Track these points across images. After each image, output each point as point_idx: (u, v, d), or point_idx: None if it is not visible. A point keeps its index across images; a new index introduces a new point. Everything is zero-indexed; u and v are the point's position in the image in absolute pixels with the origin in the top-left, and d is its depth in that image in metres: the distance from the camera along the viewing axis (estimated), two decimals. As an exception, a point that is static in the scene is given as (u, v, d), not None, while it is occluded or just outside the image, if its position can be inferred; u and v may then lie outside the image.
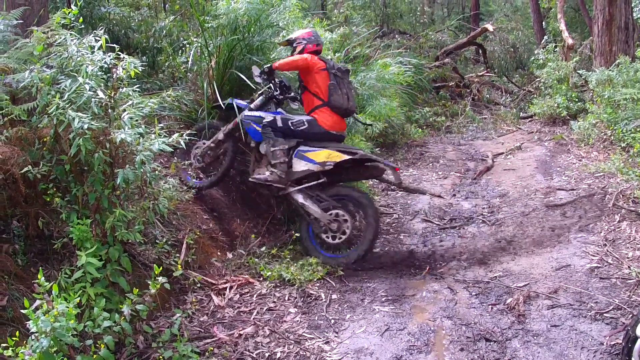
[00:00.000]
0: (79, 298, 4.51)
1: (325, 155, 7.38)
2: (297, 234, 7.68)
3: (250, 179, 7.58)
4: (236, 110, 7.89)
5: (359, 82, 10.98)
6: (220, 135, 8.04)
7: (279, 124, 7.65)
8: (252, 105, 7.92)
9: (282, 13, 9.16)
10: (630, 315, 5.67)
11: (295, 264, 7.16)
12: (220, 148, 8.19)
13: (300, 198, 7.57)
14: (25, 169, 4.99)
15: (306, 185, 7.61)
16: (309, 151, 7.50)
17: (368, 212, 7.43)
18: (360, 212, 7.60)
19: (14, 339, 4.03)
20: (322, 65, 7.67)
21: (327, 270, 7.17)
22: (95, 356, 4.46)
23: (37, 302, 4.18)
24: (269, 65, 7.83)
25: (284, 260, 7.31)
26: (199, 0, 11.78)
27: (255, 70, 7.94)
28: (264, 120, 7.65)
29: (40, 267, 4.92)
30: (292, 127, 7.64)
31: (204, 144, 8.18)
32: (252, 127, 7.74)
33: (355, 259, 7.38)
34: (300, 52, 7.87)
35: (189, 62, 9.66)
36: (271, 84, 7.91)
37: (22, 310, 4.17)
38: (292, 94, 8.22)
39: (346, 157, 7.32)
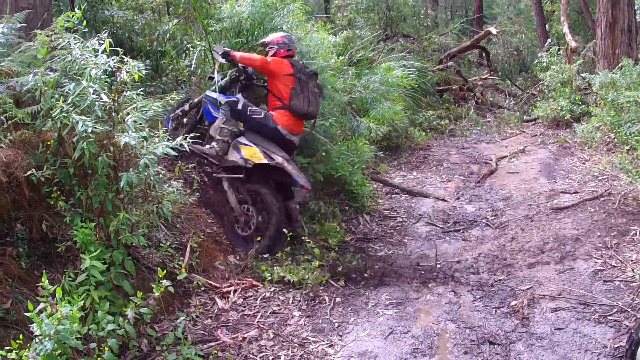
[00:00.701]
0: (82, 301, 4.50)
1: (251, 153, 7.55)
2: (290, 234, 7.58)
3: (190, 148, 7.39)
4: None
5: (362, 86, 11.00)
6: (186, 107, 8.53)
7: (239, 106, 7.84)
8: (217, 84, 8.06)
9: (285, 16, 9.15)
10: (634, 318, 5.66)
11: (298, 267, 7.13)
12: (187, 116, 8.63)
13: (225, 185, 7.82)
14: (29, 172, 4.98)
15: (229, 175, 7.82)
16: (243, 144, 7.67)
17: (272, 210, 7.51)
18: (267, 209, 7.65)
19: (18, 341, 4.03)
20: (289, 70, 7.82)
21: (331, 273, 7.16)
22: (99, 359, 4.46)
23: (41, 305, 4.17)
24: (228, 49, 7.89)
25: (287, 263, 7.27)
26: (203, 3, 11.79)
27: (218, 49, 7.95)
28: (227, 99, 7.83)
29: (44, 270, 4.93)
30: (248, 113, 7.83)
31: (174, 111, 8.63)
32: (207, 107, 8.00)
33: (260, 252, 7.46)
34: (273, 56, 7.98)
35: (193, 66, 9.70)
36: (237, 68, 8.18)
37: (25, 313, 4.17)
38: (262, 83, 8.45)
39: (265, 160, 7.46)
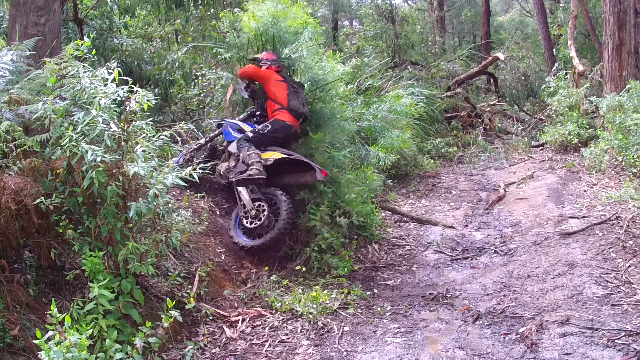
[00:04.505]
0: (91, 329, 4.52)
1: (270, 155, 8.53)
2: (302, 267, 8.01)
3: (233, 179, 8.45)
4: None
5: (371, 114, 11.03)
6: (202, 141, 9.54)
7: (250, 135, 8.77)
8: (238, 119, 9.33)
9: (306, 42, 9.55)
10: (643, 342, 5.63)
11: (306, 296, 7.14)
12: (201, 152, 9.49)
13: (238, 187, 8.52)
14: (38, 200, 5.03)
15: (253, 177, 8.34)
16: (261, 152, 8.57)
17: (282, 207, 8.22)
18: (278, 208, 8.36)
19: (26, 369, 4.04)
20: (279, 77, 9.06)
21: (340, 304, 7.14)
22: None
23: (50, 333, 4.19)
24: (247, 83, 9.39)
25: (296, 291, 7.30)
26: (212, 32, 11.88)
27: (241, 84, 9.48)
28: (240, 135, 8.85)
29: (53, 298, 4.96)
30: (260, 132, 8.76)
31: (188, 146, 9.59)
32: (227, 129, 9.11)
33: (262, 242, 8.12)
34: (266, 70, 9.12)
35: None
36: (255, 103, 9.43)
37: (33, 341, 4.19)
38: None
39: (284, 155, 8.51)
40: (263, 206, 8.38)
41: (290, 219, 8.24)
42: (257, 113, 9.34)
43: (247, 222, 8.35)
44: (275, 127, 8.80)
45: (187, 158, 9.26)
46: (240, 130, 8.96)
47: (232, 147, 8.90)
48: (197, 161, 8.95)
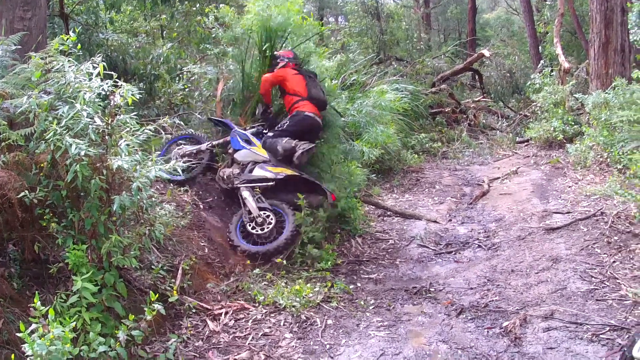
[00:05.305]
0: (74, 322, 4.52)
1: (280, 170, 8.75)
2: (283, 260, 8.01)
3: (244, 180, 8.77)
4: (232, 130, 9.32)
5: (355, 110, 11.04)
6: (203, 146, 9.39)
7: (270, 134, 9.12)
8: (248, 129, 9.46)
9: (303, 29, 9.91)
10: (627, 336, 5.65)
11: (289, 289, 7.16)
12: (199, 155, 9.39)
13: (245, 193, 8.62)
14: (22, 193, 5.01)
15: (258, 185, 8.72)
16: (272, 166, 8.86)
17: (288, 220, 8.37)
18: (283, 219, 8.49)
19: (9, 362, 4.03)
20: (294, 71, 9.27)
21: (323, 297, 7.16)
22: None
23: (33, 326, 4.19)
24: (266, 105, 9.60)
25: (279, 285, 7.32)
26: (197, 28, 11.87)
27: (259, 108, 9.75)
28: (248, 146, 9.05)
29: (36, 291, 4.96)
30: (279, 129, 9.07)
31: (185, 147, 9.39)
32: (235, 137, 9.14)
33: (267, 249, 8.13)
34: (282, 67, 9.32)
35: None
36: (266, 121, 9.58)
37: (17, 334, 4.18)
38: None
39: (296, 173, 8.72)
40: (270, 216, 8.45)
41: (296, 232, 8.28)
42: (266, 131, 9.41)
43: (250, 228, 8.36)
44: (295, 120, 9.02)
45: (182, 156, 9.19)
46: (248, 142, 9.10)
47: (239, 156, 9.05)
48: (195, 164, 9.19)
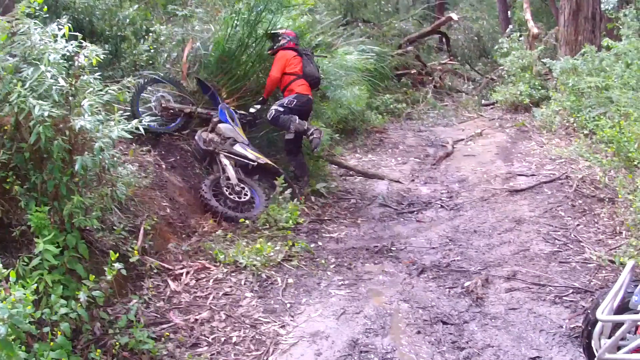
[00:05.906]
0: (36, 285, 4.47)
1: (259, 155, 9.28)
2: (245, 220, 7.91)
3: (226, 150, 9.06)
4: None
5: (322, 71, 10.94)
6: (187, 109, 9.37)
7: (281, 109, 9.36)
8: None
9: None
10: (590, 299, 5.62)
11: (250, 248, 7.05)
12: (181, 113, 9.40)
13: (225, 160, 8.91)
14: (-15, 157, 4.92)
15: (239, 160, 9.14)
16: (250, 149, 9.32)
17: (261, 195, 8.78)
18: (254, 196, 8.86)
19: (-29, 326, 3.90)
20: (294, 53, 9.62)
21: (284, 256, 7.09)
22: (52, 343, 4.48)
23: (-5, 289, 4.14)
24: (262, 98, 9.87)
25: (240, 244, 7.20)
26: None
27: (253, 109, 9.85)
28: (232, 122, 9.38)
29: (-1, 255, 4.91)
30: (288, 105, 9.35)
31: (171, 103, 9.34)
32: (224, 111, 9.31)
33: (246, 217, 8.09)
34: (282, 46, 9.67)
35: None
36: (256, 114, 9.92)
37: (-21, 298, 4.05)
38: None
39: (271, 163, 9.34)
40: (245, 189, 8.79)
41: (266, 204, 8.56)
42: (251, 121, 9.89)
43: (228, 193, 8.61)
44: (302, 102, 9.43)
45: (159, 112, 9.18)
46: (233, 120, 9.37)
47: (223, 127, 9.26)
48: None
